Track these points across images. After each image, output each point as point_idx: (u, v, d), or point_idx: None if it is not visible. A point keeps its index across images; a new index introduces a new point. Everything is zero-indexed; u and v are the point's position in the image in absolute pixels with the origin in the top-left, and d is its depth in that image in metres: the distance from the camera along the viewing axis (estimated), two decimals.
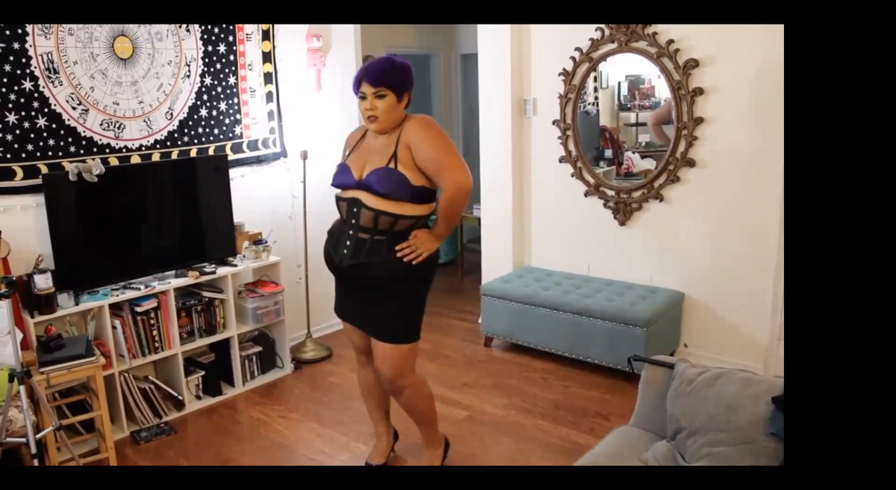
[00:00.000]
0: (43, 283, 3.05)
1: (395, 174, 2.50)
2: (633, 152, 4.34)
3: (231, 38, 3.88)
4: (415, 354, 2.80)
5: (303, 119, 4.24)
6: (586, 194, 4.28)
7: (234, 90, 3.94)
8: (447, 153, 2.53)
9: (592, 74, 4.17)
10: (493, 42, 4.38)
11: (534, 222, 4.59)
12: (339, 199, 2.68)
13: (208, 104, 3.82)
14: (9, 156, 3.10)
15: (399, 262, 2.59)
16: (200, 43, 3.74)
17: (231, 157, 3.93)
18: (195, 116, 3.77)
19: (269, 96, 4.12)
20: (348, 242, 2.62)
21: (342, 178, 2.64)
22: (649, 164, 4.19)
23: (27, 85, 3.10)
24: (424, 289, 2.75)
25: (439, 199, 2.61)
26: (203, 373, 3.76)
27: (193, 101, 3.75)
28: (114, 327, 3.30)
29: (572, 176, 4.30)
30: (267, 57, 4.07)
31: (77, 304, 3.20)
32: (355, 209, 2.57)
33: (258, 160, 4.13)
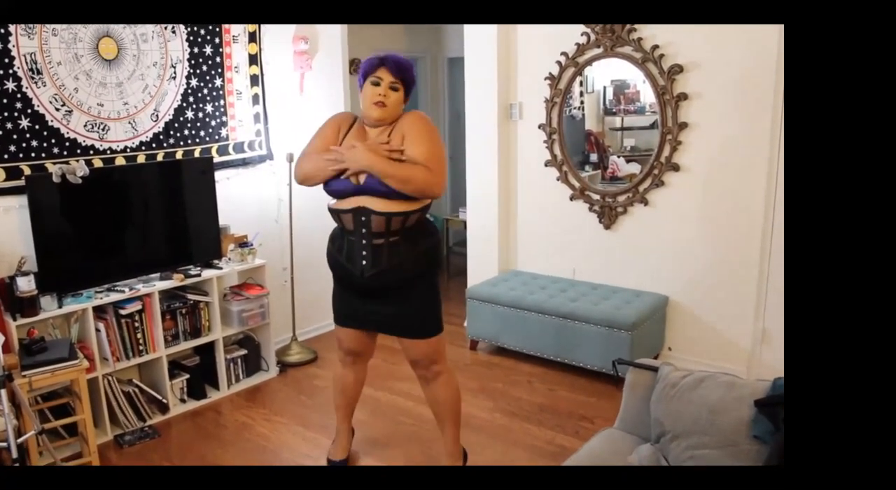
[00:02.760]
0: (25, 285, 3.02)
1: None
2: (619, 156, 4.37)
3: (217, 40, 3.86)
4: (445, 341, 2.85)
5: (289, 122, 4.23)
6: (572, 198, 4.30)
7: (221, 92, 3.92)
8: (432, 152, 2.50)
9: (578, 79, 4.20)
10: (479, 46, 4.40)
11: (519, 226, 4.61)
12: (339, 211, 2.58)
13: (194, 106, 3.81)
14: None
15: (420, 257, 2.60)
16: (186, 44, 3.72)
17: (217, 159, 3.91)
18: (181, 118, 3.75)
19: (255, 99, 4.11)
20: (364, 252, 2.56)
21: (337, 183, 2.56)
22: (634, 168, 4.22)
23: (10, 85, 3.07)
24: (438, 277, 2.79)
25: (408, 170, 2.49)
26: (188, 376, 3.74)
27: (179, 102, 3.73)
28: (97, 330, 3.28)
29: (558, 180, 4.32)
30: (253, 59, 4.06)
31: (60, 306, 3.17)
32: (363, 218, 2.52)
33: (244, 163, 4.11)
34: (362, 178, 2.52)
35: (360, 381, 3.07)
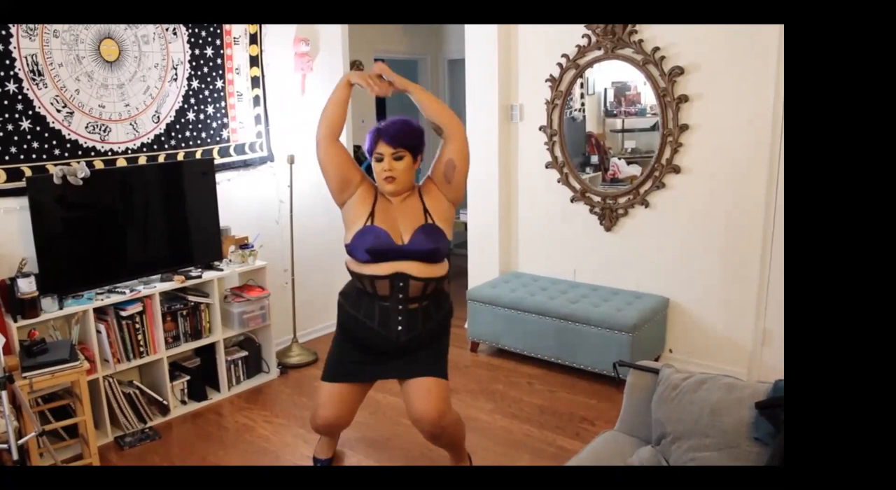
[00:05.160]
0: (26, 286, 3.03)
1: (437, 229, 2.53)
2: (619, 158, 4.37)
3: (218, 42, 3.87)
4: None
5: (290, 123, 4.23)
6: (572, 200, 4.30)
7: (222, 94, 3.93)
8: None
9: (579, 81, 4.20)
10: (480, 47, 4.40)
11: (520, 228, 4.61)
12: (374, 278, 2.50)
13: (195, 108, 3.81)
14: None
15: (444, 316, 2.65)
16: (187, 46, 3.73)
17: (218, 160, 3.92)
18: (182, 120, 3.76)
19: (256, 100, 4.11)
20: (400, 318, 2.53)
21: (378, 242, 2.47)
22: (635, 170, 4.22)
23: (11, 87, 3.07)
24: (450, 331, 2.79)
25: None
26: (188, 377, 3.74)
27: (180, 104, 3.74)
28: (98, 332, 3.28)
29: (559, 182, 4.32)
30: (254, 61, 4.07)
31: (61, 308, 3.18)
32: (401, 283, 2.49)
33: (245, 164, 4.12)
34: (406, 238, 2.50)
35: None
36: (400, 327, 2.55)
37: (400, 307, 2.53)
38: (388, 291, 2.52)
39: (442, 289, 2.66)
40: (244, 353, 3.98)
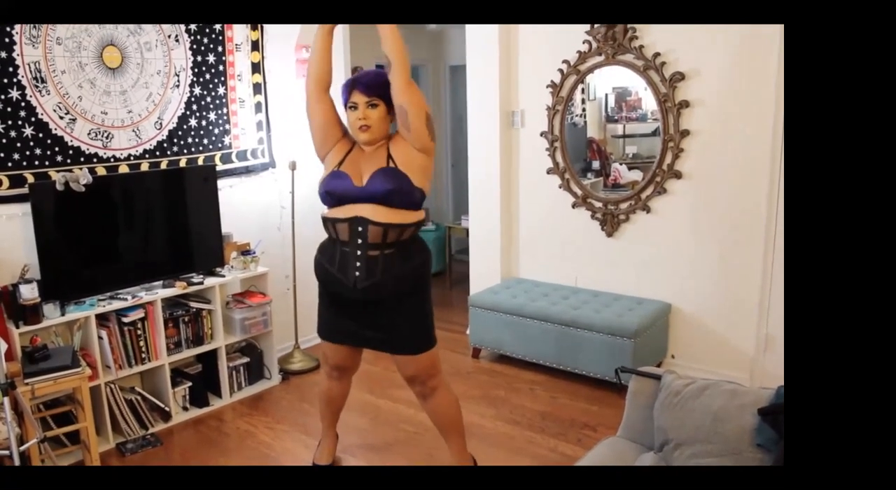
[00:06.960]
0: (28, 293, 3.03)
1: (397, 172, 2.51)
2: (621, 164, 4.37)
3: (220, 49, 3.88)
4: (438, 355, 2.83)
5: (291, 130, 4.24)
6: (574, 206, 4.30)
7: (224, 100, 3.94)
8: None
9: (580, 86, 4.21)
10: (481, 53, 4.41)
11: (522, 233, 4.61)
12: (335, 221, 2.57)
13: (197, 114, 3.82)
14: None
15: (414, 271, 2.61)
16: (189, 53, 3.74)
17: (220, 167, 3.92)
18: (184, 126, 3.77)
19: (258, 107, 4.12)
20: (358, 263, 2.55)
21: (338, 183, 2.54)
22: (636, 175, 4.22)
23: (14, 94, 3.09)
24: (430, 290, 2.78)
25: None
26: (190, 384, 3.73)
27: (183, 110, 3.75)
28: (100, 338, 3.28)
29: (560, 187, 4.32)
30: (256, 67, 4.08)
31: (63, 314, 3.18)
32: (360, 228, 2.51)
33: (247, 170, 4.12)
34: (365, 179, 2.52)
35: (345, 393, 3.09)
36: (357, 273, 2.55)
37: (359, 253, 2.54)
38: (347, 236, 2.55)
39: (408, 240, 2.59)
40: (246, 360, 3.98)
